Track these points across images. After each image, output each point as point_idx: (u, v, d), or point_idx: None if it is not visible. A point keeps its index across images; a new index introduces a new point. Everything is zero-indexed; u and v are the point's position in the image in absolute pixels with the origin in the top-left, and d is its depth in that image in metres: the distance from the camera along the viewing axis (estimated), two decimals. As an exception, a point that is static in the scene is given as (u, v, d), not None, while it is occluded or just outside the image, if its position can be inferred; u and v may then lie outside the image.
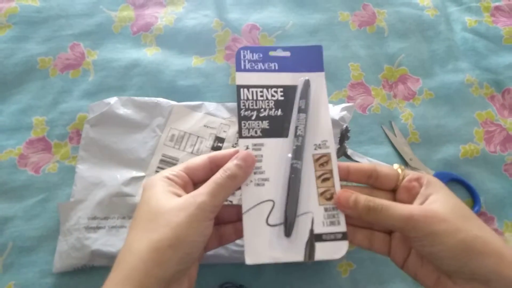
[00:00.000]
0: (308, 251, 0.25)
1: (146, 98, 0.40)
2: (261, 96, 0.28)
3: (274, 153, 0.27)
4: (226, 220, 0.28)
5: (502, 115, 0.44)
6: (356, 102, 0.44)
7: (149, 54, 0.45)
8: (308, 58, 0.29)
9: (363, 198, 0.25)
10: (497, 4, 0.50)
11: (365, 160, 0.38)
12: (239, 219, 0.25)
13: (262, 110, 0.28)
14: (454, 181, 0.41)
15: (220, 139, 0.39)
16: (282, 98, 0.28)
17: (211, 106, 0.40)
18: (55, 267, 0.34)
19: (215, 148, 0.38)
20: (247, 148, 0.27)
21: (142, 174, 0.37)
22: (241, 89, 0.28)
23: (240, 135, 0.27)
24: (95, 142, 0.38)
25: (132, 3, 0.47)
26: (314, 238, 0.25)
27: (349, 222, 0.26)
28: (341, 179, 0.26)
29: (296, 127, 0.27)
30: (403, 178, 0.26)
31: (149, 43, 0.45)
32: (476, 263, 0.22)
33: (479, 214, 0.40)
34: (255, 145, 0.27)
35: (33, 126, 0.40)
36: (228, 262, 0.34)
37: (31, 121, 0.41)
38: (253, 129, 0.27)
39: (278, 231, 0.25)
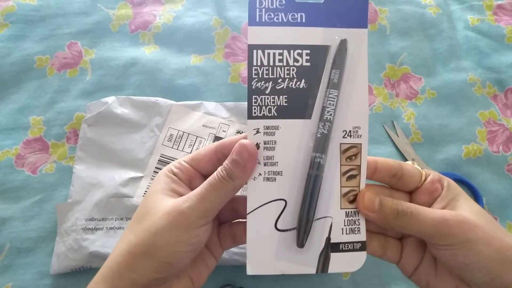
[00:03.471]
0: (321, 262, 0.21)
1: (144, 98, 0.40)
2: (280, 60, 0.21)
3: (292, 139, 0.21)
4: (243, 215, 0.24)
5: (505, 115, 0.44)
6: (357, 102, 0.43)
7: (147, 52, 0.44)
8: (348, 8, 0.22)
9: (390, 201, 0.22)
10: (499, 2, 0.50)
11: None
12: None
13: (280, 80, 0.21)
14: (456, 181, 0.40)
15: (219, 139, 0.38)
16: (308, 64, 0.22)
17: (210, 105, 0.40)
18: (52, 268, 0.34)
19: (214, 148, 0.38)
20: (257, 132, 0.21)
21: (140, 174, 0.37)
22: (254, 51, 0.21)
23: (249, 115, 0.21)
24: (92, 142, 0.37)
25: (130, 1, 0.47)
26: (331, 247, 0.21)
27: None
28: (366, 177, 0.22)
29: (323, 108, 0.21)
30: (425, 178, 0.23)
31: (147, 41, 0.45)
32: (511, 275, 0.20)
33: (482, 215, 0.39)
34: (267, 128, 0.21)
35: (30, 126, 0.40)
36: (228, 264, 0.34)
37: (28, 120, 0.40)
38: (266, 106, 0.21)
39: (288, 237, 0.21)
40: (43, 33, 0.44)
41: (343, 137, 0.22)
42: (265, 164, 0.22)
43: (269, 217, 0.22)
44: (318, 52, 0.22)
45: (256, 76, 0.22)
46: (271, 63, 0.22)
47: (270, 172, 0.22)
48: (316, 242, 0.22)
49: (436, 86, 0.45)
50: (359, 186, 0.22)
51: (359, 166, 0.22)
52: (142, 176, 0.37)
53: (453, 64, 0.46)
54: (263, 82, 0.22)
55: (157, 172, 0.36)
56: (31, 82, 0.42)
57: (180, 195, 0.22)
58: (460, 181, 0.40)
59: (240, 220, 0.25)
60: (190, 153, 0.38)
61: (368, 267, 0.36)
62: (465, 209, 0.22)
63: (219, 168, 0.22)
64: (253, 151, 0.21)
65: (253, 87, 0.22)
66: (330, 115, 0.21)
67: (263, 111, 0.22)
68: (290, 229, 0.22)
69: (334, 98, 0.21)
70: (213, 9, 0.47)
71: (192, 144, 0.38)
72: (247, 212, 0.22)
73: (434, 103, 0.44)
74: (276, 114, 0.22)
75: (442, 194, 0.23)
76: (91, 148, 0.37)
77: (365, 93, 0.22)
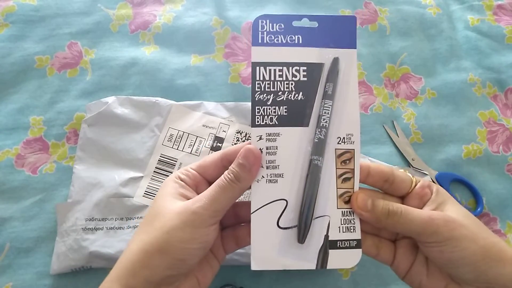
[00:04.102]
0: (321, 258, 0.23)
1: (144, 98, 0.40)
2: (280, 76, 0.24)
3: (292, 145, 0.24)
4: (245, 219, 0.26)
5: (505, 115, 0.44)
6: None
7: (147, 52, 0.44)
8: (339, 31, 0.25)
9: (381, 202, 0.23)
10: (499, 2, 0.50)
11: (366, 161, 0.38)
12: None
13: (280, 93, 0.24)
14: (456, 181, 0.40)
15: (219, 139, 0.38)
16: (305, 79, 0.24)
17: (210, 105, 0.40)
18: (52, 268, 0.34)
19: (214, 148, 0.38)
20: (260, 138, 0.24)
21: (140, 174, 0.37)
22: (257, 67, 0.24)
23: (252, 123, 0.24)
24: (92, 142, 0.38)
25: (130, 1, 0.47)
26: (329, 244, 0.23)
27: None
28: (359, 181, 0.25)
29: (320, 116, 0.24)
30: (415, 184, 0.25)
31: (147, 41, 0.45)
32: (495, 271, 0.21)
33: (482, 215, 0.39)
34: (269, 135, 0.24)
35: (30, 126, 0.40)
36: (228, 264, 0.34)
37: (28, 120, 0.40)
38: (268, 116, 0.24)
39: (290, 235, 0.23)
40: (43, 33, 0.44)
41: (338, 143, 0.24)
42: (267, 168, 0.24)
43: (271, 216, 0.23)
44: (313, 69, 0.25)
45: (259, 89, 0.24)
46: (272, 78, 0.24)
47: (272, 175, 0.24)
48: (316, 239, 0.23)
49: (436, 86, 0.45)
50: (353, 188, 0.24)
51: (353, 169, 0.24)
52: (142, 176, 0.37)
53: (453, 64, 0.46)
54: (265, 94, 0.24)
55: (157, 172, 0.37)
56: (31, 82, 0.42)
57: (188, 199, 0.23)
58: (460, 181, 0.40)
59: (243, 224, 0.27)
60: (190, 153, 0.38)
61: (368, 267, 0.36)
62: (452, 211, 0.23)
63: (227, 171, 0.23)
64: (257, 154, 0.23)
65: (256, 99, 0.24)
66: (326, 122, 0.24)
67: (266, 120, 0.24)
68: (291, 227, 0.23)
69: (329, 108, 0.24)
70: (213, 9, 0.47)
71: (192, 144, 0.38)
72: (251, 211, 0.23)
73: (434, 103, 0.44)
74: (277, 123, 0.24)
75: (431, 199, 0.24)
76: (91, 148, 0.37)
77: (356, 104, 0.25)
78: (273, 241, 0.23)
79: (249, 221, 0.24)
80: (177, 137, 0.38)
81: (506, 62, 0.46)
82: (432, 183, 0.25)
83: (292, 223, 0.23)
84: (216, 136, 0.38)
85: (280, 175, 0.24)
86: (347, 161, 0.24)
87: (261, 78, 0.24)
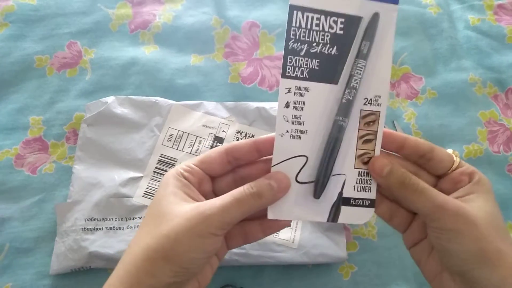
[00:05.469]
0: (332, 213, 0.24)
1: (144, 97, 0.39)
2: (317, 25, 0.23)
3: (319, 101, 0.23)
4: (253, 216, 0.25)
5: (506, 115, 0.44)
6: (358, 101, 0.43)
7: (147, 52, 0.44)
8: None
9: (400, 172, 0.23)
10: (500, 2, 0.50)
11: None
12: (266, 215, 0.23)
13: (314, 44, 0.23)
14: (457, 181, 0.40)
15: (219, 139, 0.38)
16: (341, 32, 0.23)
17: (210, 105, 0.40)
18: (52, 268, 0.34)
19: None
20: (289, 91, 0.23)
21: (140, 174, 0.37)
22: (295, 12, 0.23)
23: (283, 73, 0.23)
24: (92, 142, 0.37)
25: (130, 1, 0.47)
26: (342, 201, 0.24)
27: (378, 190, 0.24)
28: (390, 150, 0.24)
29: (351, 75, 0.23)
30: (456, 168, 0.24)
31: (147, 41, 0.45)
32: (483, 275, 0.21)
33: (482, 215, 0.39)
34: (298, 88, 0.23)
35: (29, 125, 0.40)
36: (229, 264, 0.34)
37: (27, 120, 0.40)
38: (299, 68, 0.23)
39: (306, 189, 0.24)
40: (42, 32, 0.44)
41: (364, 104, 0.24)
42: (292, 123, 0.23)
43: (291, 170, 0.24)
44: (352, 22, 0.23)
45: (294, 37, 0.23)
46: (309, 26, 0.23)
47: (296, 131, 0.23)
48: (330, 195, 0.24)
49: (436, 86, 0.45)
50: (374, 150, 0.24)
51: (376, 131, 0.24)
52: (142, 176, 0.37)
53: (453, 64, 0.46)
54: (299, 43, 0.23)
55: (157, 172, 0.37)
56: (31, 82, 0.42)
57: (193, 199, 0.23)
58: (461, 181, 0.40)
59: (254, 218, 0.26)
60: (190, 153, 0.38)
61: (368, 267, 0.36)
62: (475, 206, 0.22)
63: (248, 185, 0.22)
64: (289, 183, 0.23)
65: (290, 47, 0.23)
66: (357, 83, 0.23)
67: (296, 72, 0.23)
68: (308, 182, 0.24)
69: (362, 68, 0.23)
70: (213, 9, 0.47)
71: (192, 144, 0.38)
72: (272, 165, 0.23)
73: (435, 103, 0.44)
74: (307, 76, 0.23)
75: (465, 187, 0.23)
76: (91, 148, 0.37)
77: (388, 66, 0.24)
78: (290, 194, 0.23)
79: (257, 217, 0.24)
80: (177, 137, 0.38)
81: (507, 62, 0.46)
82: (478, 172, 0.24)
83: (309, 178, 0.24)
84: (216, 136, 0.38)
85: (304, 132, 0.23)
86: (371, 123, 0.24)
87: (297, 25, 0.23)
